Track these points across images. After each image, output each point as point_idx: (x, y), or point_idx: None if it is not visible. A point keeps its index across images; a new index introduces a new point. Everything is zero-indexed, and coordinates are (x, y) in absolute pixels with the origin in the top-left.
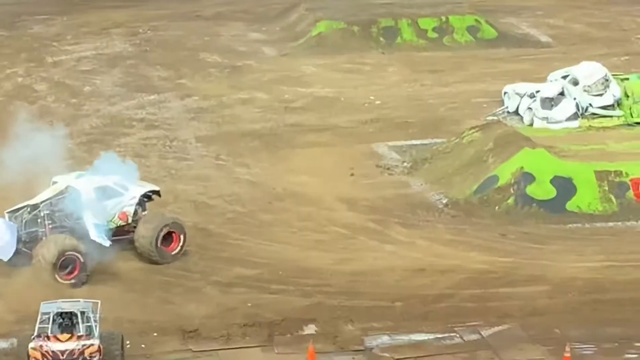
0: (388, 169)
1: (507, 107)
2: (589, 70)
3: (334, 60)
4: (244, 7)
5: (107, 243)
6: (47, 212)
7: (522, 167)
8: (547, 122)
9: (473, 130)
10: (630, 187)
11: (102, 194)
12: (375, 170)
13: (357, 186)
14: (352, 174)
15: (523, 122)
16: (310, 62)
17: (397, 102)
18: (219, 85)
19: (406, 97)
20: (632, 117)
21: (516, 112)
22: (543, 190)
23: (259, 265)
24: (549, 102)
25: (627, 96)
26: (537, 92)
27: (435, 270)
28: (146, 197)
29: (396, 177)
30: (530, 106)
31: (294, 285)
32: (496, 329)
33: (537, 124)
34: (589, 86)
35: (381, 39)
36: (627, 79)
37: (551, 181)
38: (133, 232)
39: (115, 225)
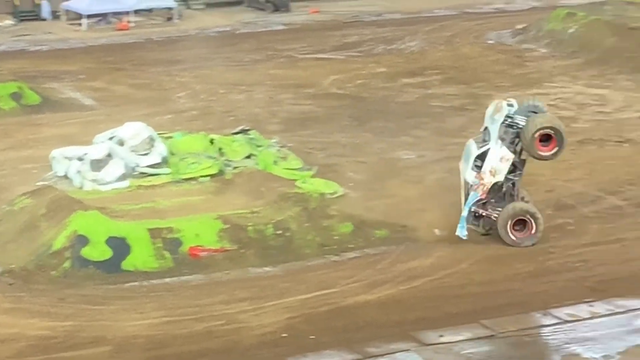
0: None
1: (56, 172)
2: (134, 131)
3: None
4: None
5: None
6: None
7: (76, 230)
8: (97, 184)
9: (24, 197)
10: (183, 243)
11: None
12: None
13: None
14: None
15: (74, 186)
16: None
17: None
18: None
19: None
20: (179, 173)
21: (66, 176)
22: (98, 251)
23: None
24: (98, 164)
25: (173, 154)
26: (85, 154)
27: None
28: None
29: None
30: (79, 169)
31: None
32: None
33: (88, 186)
34: (135, 146)
35: None
36: (172, 137)
37: (106, 242)
38: None
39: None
